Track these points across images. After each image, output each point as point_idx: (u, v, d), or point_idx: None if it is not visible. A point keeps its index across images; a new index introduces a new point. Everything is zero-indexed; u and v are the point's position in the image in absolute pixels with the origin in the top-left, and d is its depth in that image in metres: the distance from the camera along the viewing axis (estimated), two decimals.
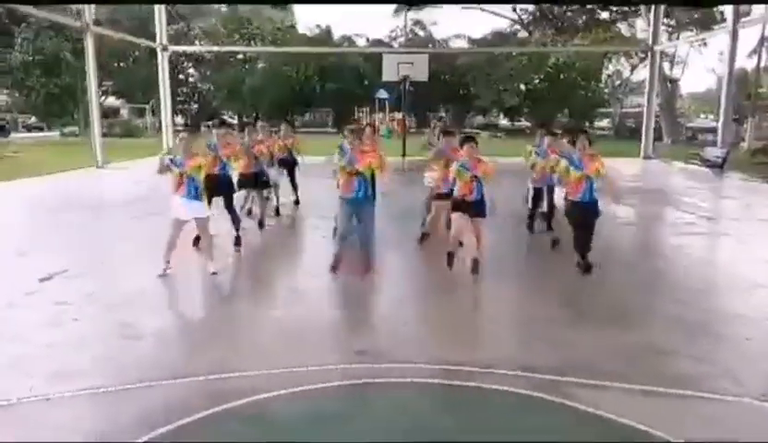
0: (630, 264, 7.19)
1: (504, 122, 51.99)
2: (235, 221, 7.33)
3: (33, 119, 44.23)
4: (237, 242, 7.26)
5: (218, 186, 7.03)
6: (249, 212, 8.69)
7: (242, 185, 8.05)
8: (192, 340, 4.66)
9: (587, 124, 43.73)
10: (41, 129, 43.04)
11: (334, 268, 6.18)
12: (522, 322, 5.09)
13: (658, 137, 28.24)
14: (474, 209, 6.20)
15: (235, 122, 44.27)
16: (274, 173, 8.97)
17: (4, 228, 8.98)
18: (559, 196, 7.06)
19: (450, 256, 6.44)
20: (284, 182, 9.78)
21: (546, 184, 7.81)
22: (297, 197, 10.24)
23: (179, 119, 48.75)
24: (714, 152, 17.89)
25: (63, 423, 3.32)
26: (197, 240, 6.84)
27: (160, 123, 26.61)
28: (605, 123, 49.79)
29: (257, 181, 8.18)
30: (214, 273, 6.07)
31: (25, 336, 4.50)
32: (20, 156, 21.65)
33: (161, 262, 6.03)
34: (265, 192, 8.59)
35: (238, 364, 3.98)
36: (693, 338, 4.59)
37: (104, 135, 18.41)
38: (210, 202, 6.84)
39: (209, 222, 6.27)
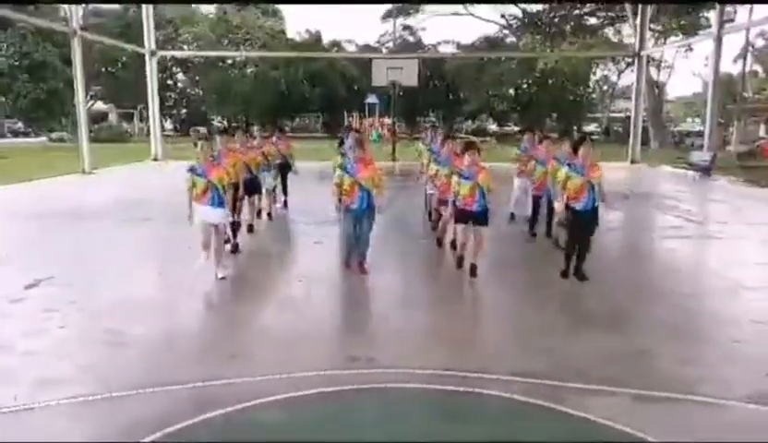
0: (620, 269, 7.22)
1: (493, 126, 52.22)
2: (234, 228, 7.34)
3: (20, 124, 43.84)
4: (235, 249, 7.33)
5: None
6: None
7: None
8: (180, 347, 4.60)
9: (575, 128, 44.02)
10: (27, 134, 42.68)
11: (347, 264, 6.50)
12: (516, 328, 5.07)
13: (645, 142, 28.47)
14: (477, 218, 6.25)
15: (224, 126, 44.08)
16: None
17: None
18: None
19: (460, 259, 6.55)
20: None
21: (546, 193, 7.69)
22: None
23: (168, 124, 48.55)
24: (700, 156, 18.05)
25: (47, 431, 3.27)
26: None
27: (148, 128, 26.48)
28: (593, 127, 50.13)
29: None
30: (222, 278, 6.16)
31: (10, 343, 4.43)
32: (7, 161, 21.42)
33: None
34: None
35: (226, 371, 3.94)
36: (683, 342, 4.61)
37: (92, 140, 18.22)
38: None
39: (226, 229, 6.51)
